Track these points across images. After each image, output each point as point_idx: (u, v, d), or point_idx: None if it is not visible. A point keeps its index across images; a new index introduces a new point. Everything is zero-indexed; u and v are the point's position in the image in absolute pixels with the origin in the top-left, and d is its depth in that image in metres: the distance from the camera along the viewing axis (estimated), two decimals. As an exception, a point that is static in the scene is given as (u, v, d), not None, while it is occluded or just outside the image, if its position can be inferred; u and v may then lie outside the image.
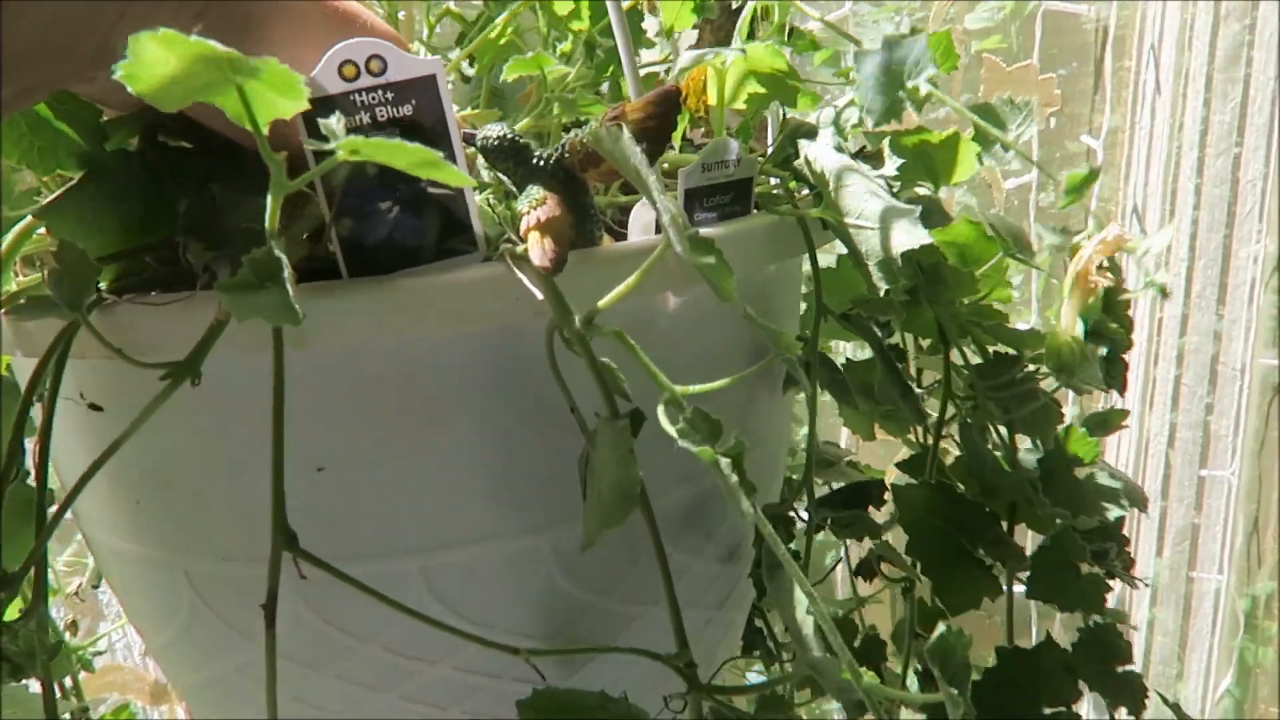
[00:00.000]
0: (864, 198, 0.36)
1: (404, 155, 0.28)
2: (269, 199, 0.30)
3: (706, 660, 0.48)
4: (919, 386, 0.55)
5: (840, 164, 0.37)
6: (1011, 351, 0.49)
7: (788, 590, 0.37)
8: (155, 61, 0.25)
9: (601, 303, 0.32)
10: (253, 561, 0.39)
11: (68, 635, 0.62)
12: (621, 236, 0.45)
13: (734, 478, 0.28)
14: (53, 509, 0.35)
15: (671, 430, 0.30)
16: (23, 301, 0.32)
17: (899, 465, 0.61)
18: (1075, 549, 0.44)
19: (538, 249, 0.32)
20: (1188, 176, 0.83)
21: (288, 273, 0.29)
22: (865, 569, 0.57)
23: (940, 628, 0.32)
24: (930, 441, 0.52)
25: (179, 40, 0.24)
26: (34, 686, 0.50)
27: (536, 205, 0.33)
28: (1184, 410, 0.90)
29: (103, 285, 0.36)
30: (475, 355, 0.36)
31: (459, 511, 0.38)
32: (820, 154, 0.38)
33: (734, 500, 0.29)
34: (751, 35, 0.44)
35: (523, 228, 0.33)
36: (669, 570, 0.37)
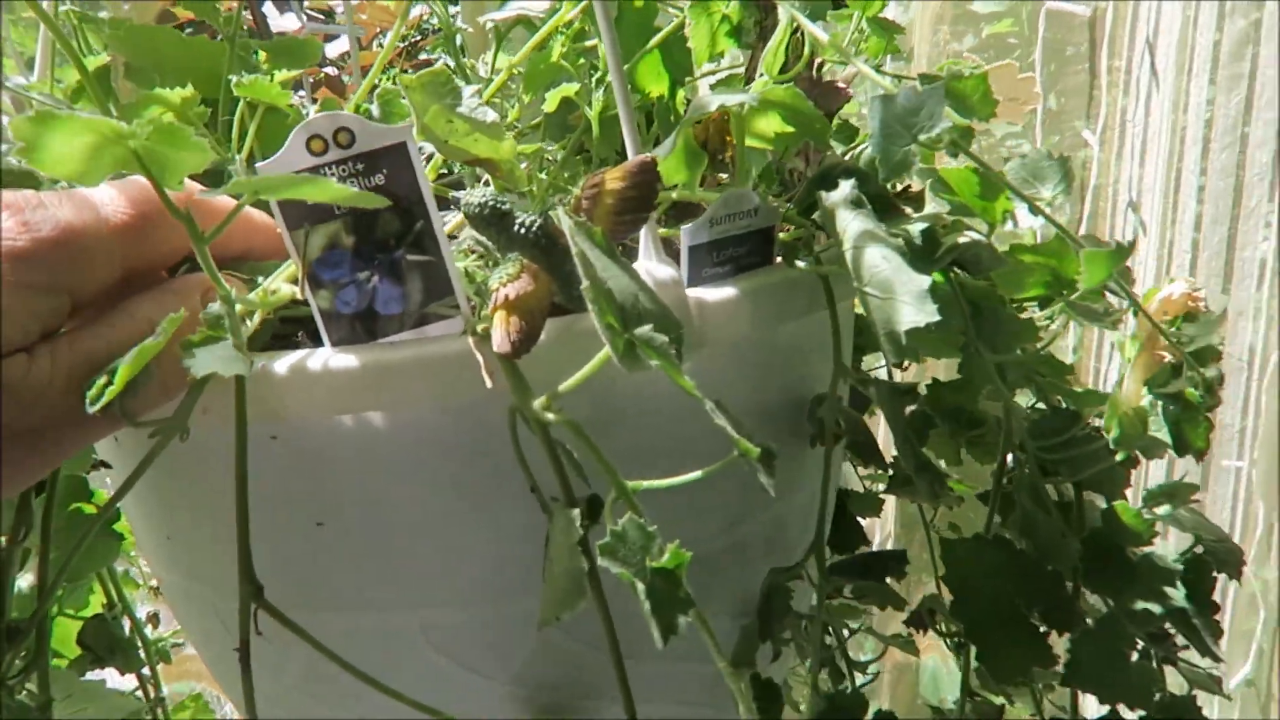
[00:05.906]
0: (877, 262, 0.33)
1: (280, 183, 0.28)
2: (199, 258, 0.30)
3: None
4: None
5: (853, 220, 0.34)
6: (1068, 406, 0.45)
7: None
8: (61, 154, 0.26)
9: (562, 387, 0.31)
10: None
11: (149, 628, 0.66)
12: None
13: (647, 605, 0.27)
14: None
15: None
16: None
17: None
18: (1122, 636, 0.39)
19: (500, 331, 0.30)
20: (1191, 170, 0.82)
21: (231, 324, 0.29)
22: (918, 621, 0.54)
23: None
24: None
25: (71, 120, 0.25)
26: (111, 680, 0.54)
27: (508, 281, 0.31)
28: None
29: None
30: (454, 426, 0.35)
31: (454, 573, 0.38)
32: (837, 204, 0.35)
33: (650, 624, 0.27)
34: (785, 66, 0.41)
35: (490, 305, 0.31)
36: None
